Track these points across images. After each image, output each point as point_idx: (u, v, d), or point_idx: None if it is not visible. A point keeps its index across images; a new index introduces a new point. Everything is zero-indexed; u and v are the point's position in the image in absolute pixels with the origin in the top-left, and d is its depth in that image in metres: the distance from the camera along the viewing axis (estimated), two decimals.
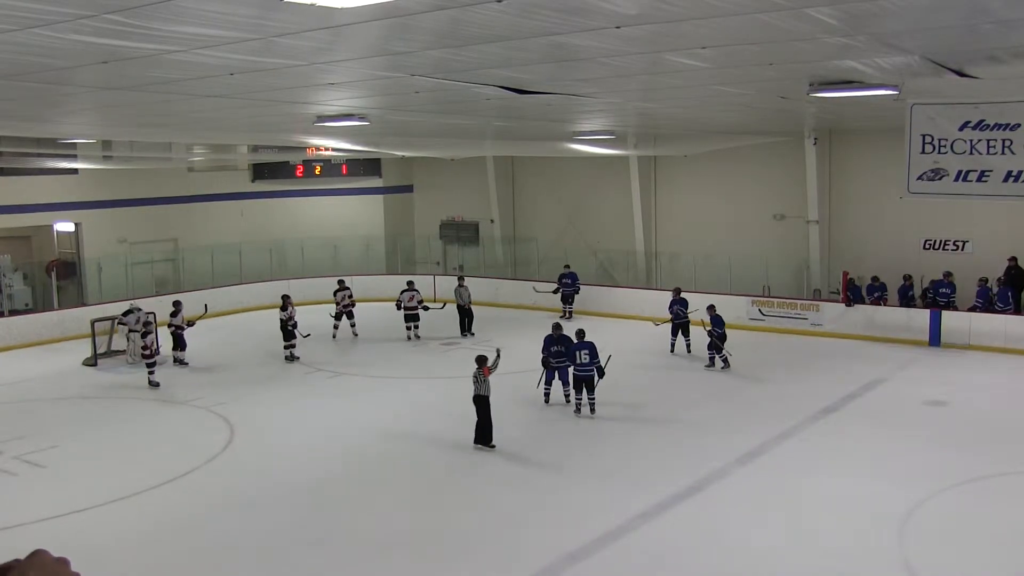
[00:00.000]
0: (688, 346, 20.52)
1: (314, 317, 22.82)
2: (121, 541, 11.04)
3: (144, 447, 14.92)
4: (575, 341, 15.92)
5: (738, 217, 26.54)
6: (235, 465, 13.88)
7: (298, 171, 31.32)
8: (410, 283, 23.06)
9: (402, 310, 22.67)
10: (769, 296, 24.11)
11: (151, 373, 18.46)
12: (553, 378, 16.43)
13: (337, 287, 23.54)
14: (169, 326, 20.36)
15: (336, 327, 23.01)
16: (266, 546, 10.85)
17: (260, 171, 31.19)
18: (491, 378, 14.08)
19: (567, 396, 16.31)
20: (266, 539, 11.05)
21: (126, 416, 16.80)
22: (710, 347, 19.15)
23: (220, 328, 20.82)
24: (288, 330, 20.67)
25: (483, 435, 14.09)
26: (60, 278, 25.78)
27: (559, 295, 25.06)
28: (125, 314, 20.91)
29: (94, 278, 26.46)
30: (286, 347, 20.73)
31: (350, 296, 23.31)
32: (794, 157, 24.71)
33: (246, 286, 27.70)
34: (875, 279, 22.58)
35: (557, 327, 16.68)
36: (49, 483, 13.21)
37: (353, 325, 23.12)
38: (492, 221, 31.32)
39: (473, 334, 23.04)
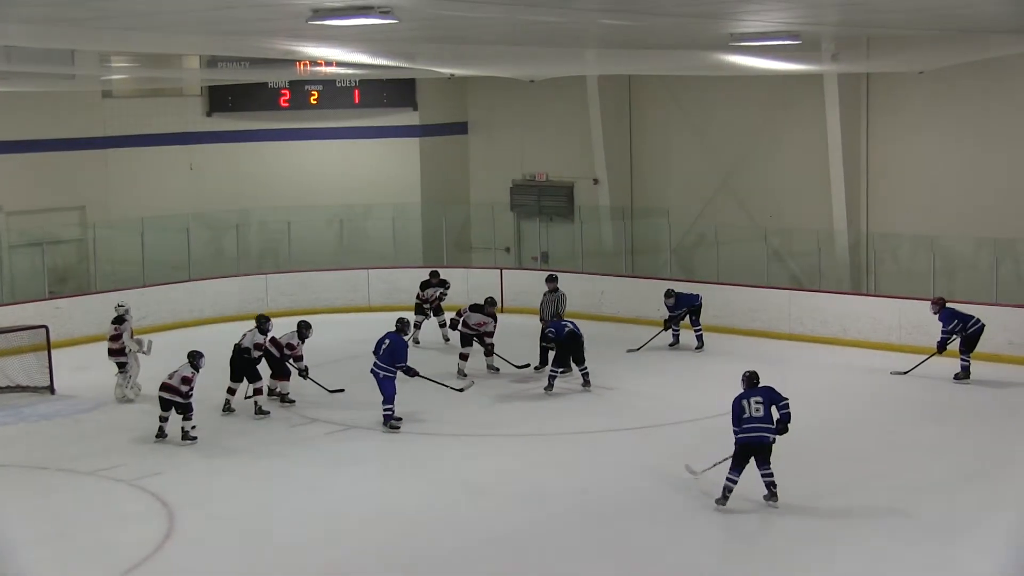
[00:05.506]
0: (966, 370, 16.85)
1: (322, 340, 16.72)
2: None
3: None
4: (745, 389, 11.88)
5: (1013, 181, 19.37)
6: None
7: (282, 99, 24.72)
8: (491, 299, 17.52)
9: (458, 330, 17.19)
10: None
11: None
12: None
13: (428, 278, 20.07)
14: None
15: (443, 327, 19.36)
16: None
17: (221, 99, 24.45)
18: None
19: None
20: None
21: None
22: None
23: (164, 349, 15.71)
24: (253, 360, 15.18)
25: None
26: None
27: (665, 320, 18.65)
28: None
29: None
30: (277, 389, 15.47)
31: (441, 294, 19.93)
32: None
33: (196, 284, 21.39)
34: None
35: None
36: None
37: (443, 325, 19.33)
38: (596, 182, 24.33)
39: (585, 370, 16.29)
